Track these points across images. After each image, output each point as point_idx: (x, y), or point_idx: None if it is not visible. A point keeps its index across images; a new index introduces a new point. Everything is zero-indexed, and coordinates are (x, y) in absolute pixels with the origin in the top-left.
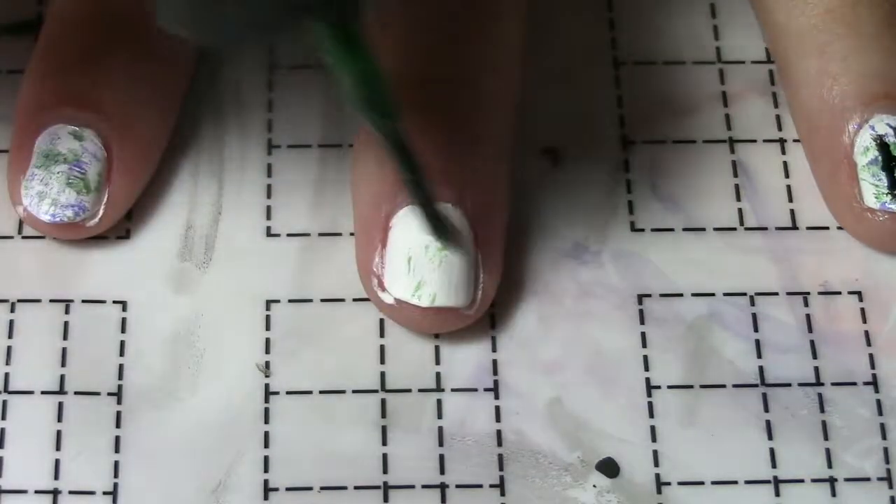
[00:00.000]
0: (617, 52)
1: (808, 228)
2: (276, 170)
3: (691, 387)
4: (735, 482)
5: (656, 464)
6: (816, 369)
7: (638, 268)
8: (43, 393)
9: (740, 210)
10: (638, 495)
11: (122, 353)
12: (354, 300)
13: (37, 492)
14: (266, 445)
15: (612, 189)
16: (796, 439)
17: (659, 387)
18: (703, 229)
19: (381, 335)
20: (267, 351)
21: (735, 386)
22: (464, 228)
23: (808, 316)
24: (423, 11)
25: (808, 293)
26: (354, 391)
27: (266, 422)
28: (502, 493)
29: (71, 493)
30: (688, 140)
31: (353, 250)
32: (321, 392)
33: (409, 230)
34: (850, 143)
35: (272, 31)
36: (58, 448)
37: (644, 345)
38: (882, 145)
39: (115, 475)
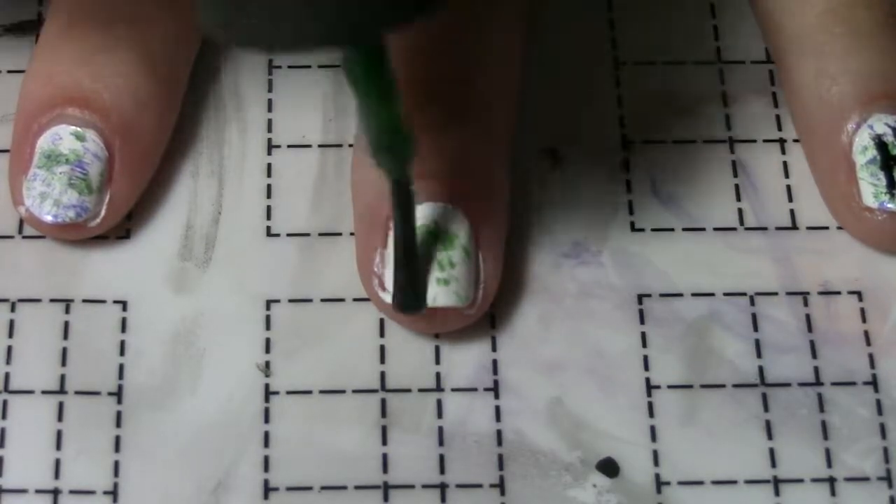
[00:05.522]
0: (617, 52)
1: (808, 228)
2: (276, 170)
3: (691, 387)
4: (735, 482)
5: (656, 464)
6: (816, 369)
7: (638, 268)
8: (43, 393)
9: (740, 210)
10: (638, 495)
11: (122, 353)
12: (354, 300)
13: (37, 491)
14: (266, 445)
15: (612, 189)
16: (796, 439)
17: (659, 387)
18: (703, 229)
19: (381, 335)
20: (267, 351)
21: (735, 386)
22: (464, 228)
23: (808, 316)
24: None
25: (808, 293)
26: (354, 391)
27: (266, 422)
28: (502, 493)
29: (71, 492)
30: (688, 140)
31: (353, 250)
32: (321, 392)
33: None
34: (848, 143)
35: (304, 46)
36: (58, 448)
37: (644, 345)
38: (880, 145)
39: (115, 475)
